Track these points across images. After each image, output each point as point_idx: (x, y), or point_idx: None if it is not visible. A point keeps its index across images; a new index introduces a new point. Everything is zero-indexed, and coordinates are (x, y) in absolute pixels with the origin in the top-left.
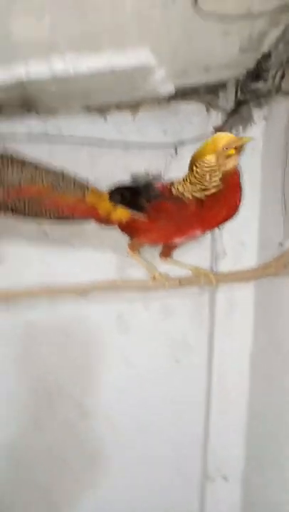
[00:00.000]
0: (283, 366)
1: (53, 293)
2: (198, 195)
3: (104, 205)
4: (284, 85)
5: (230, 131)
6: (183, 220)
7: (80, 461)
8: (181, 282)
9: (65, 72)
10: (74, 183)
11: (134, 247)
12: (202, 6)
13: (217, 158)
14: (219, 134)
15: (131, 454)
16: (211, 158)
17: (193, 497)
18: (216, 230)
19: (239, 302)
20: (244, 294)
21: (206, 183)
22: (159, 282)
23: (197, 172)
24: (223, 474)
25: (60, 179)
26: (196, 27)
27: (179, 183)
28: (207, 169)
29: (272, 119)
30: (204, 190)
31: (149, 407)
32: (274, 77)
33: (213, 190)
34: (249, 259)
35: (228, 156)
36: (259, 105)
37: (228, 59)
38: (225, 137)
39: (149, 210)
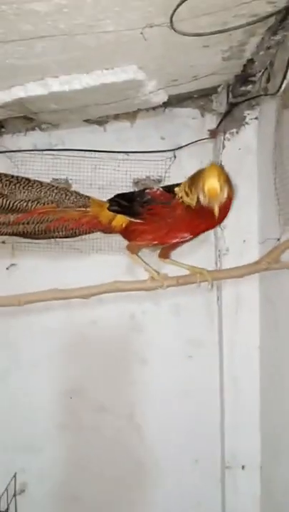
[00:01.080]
0: None
1: (60, 297)
2: (190, 203)
3: (105, 214)
4: (270, 87)
5: (224, 133)
6: (172, 222)
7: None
8: (179, 281)
9: (61, 91)
10: (76, 197)
11: (133, 250)
12: (177, 27)
13: (200, 188)
14: (210, 176)
15: (152, 448)
16: (199, 183)
17: (214, 486)
18: (219, 229)
19: (245, 297)
20: (250, 289)
21: (192, 196)
22: (158, 282)
23: (189, 187)
24: (241, 463)
25: (64, 195)
26: (176, 43)
27: (180, 188)
28: (195, 188)
29: (263, 119)
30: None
31: (167, 402)
32: (260, 80)
33: (193, 204)
34: (251, 255)
35: (204, 195)
36: (250, 107)
37: (214, 68)
38: (208, 181)
39: (143, 214)
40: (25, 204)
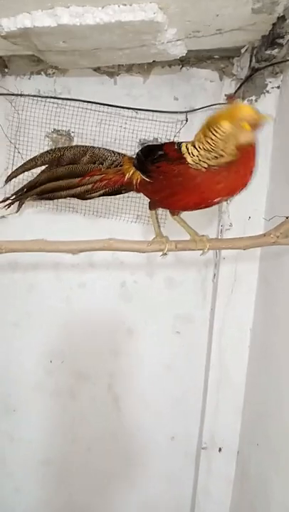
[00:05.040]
0: (282, 342)
1: (46, 249)
2: (212, 163)
3: (129, 170)
4: None
5: (242, 99)
6: (178, 184)
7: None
8: (177, 246)
9: (71, 24)
10: (115, 157)
11: (152, 207)
12: None
13: (232, 128)
14: (241, 104)
15: (128, 420)
16: (225, 126)
17: (187, 465)
18: (225, 202)
19: (243, 277)
20: (248, 269)
21: (220, 151)
22: (159, 245)
23: (212, 138)
24: (218, 446)
25: (107, 156)
26: None
27: (192, 146)
28: (221, 136)
29: (286, 88)
30: (219, 157)
31: (149, 376)
32: (288, 44)
33: (228, 159)
34: (255, 232)
35: (243, 130)
36: (273, 74)
37: (241, 21)
38: (244, 109)
39: (151, 172)
40: (86, 168)
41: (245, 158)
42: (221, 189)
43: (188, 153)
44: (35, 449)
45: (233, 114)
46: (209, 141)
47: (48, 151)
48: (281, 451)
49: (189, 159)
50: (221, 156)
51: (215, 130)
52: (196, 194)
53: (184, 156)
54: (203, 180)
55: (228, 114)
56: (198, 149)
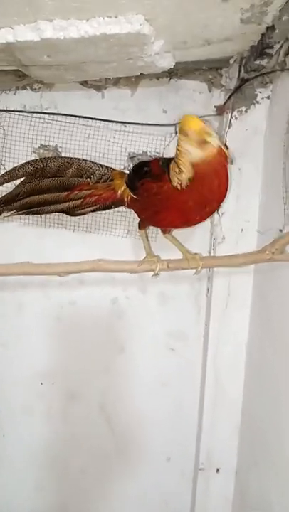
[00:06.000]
0: (278, 357)
1: (32, 272)
2: (179, 177)
3: (120, 186)
4: (288, 61)
5: (232, 110)
6: (162, 202)
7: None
8: (169, 266)
9: (55, 38)
10: (104, 171)
11: (142, 226)
12: None
13: (185, 143)
14: (190, 116)
15: (122, 441)
16: (180, 140)
17: (185, 486)
18: (216, 215)
19: (237, 291)
20: (243, 283)
21: (181, 166)
22: (150, 265)
23: (176, 150)
24: (216, 466)
25: (96, 170)
26: None
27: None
28: (179, 150)
29: (276, 98)
30: (181, 172)
31: (142, 395)
32: (278, 54)
33: (187, 175)
34: (248, 246)
35: (192, 147)
36: (263, 84)
37: (230, 31)
38: (190, 123)
39: (138, 189)
40: (73, 181)
41: (203, 176)
42: (192, 207)
43: (171, 167)
44: (24, 475)
45: (184, 128)
46: (177, 152)
47: (29, 162)
48: (281, 470)
49: (172, 174)
50: (182, 171)
51: (177, 142)
52: (178, 212)
53: (169, 171)
54: (177, 198)
55: (182, 126)
56: (174, 161)
